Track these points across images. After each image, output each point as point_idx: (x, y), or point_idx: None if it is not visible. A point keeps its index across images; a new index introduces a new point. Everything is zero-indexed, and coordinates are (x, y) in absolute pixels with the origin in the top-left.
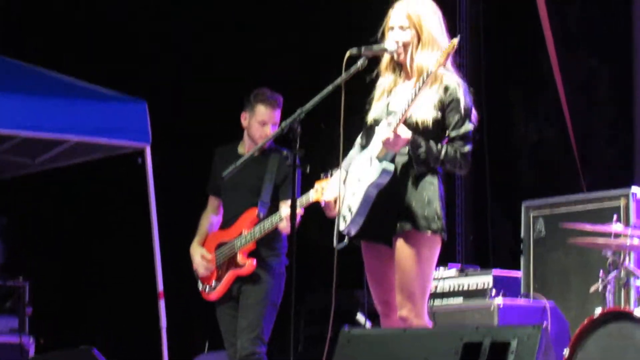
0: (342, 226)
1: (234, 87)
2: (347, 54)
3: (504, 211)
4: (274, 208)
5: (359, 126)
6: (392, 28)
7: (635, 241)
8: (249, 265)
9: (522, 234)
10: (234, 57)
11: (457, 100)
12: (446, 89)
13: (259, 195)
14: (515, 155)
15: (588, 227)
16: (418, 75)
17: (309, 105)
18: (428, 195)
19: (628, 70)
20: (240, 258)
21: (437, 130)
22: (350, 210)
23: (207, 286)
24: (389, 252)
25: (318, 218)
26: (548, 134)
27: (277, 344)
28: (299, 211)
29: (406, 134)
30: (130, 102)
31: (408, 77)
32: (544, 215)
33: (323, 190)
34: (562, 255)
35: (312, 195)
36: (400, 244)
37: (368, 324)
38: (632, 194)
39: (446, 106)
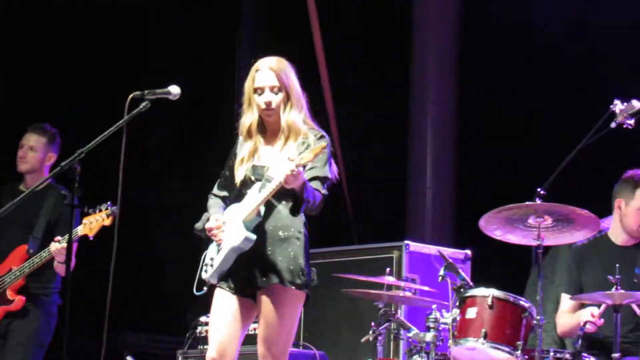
0: (204, 275)
1: (19, 122)
2: (130, 96)
3: None
4: (46, 244)
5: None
6: (261, 89)
7: (407, 293)
8: (17, 301)
9: None
10: (20, 93)
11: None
12: (308, 144)
13: (31, 231)
14: None
15: (361, 278)
16: (286, 133)
17: (89, 145)
18: (294, 251)
19: (404, 126)
20: (9, 294)
21: None
22: (212, 261)
23: None
24: (251, 305)
25: (87, 257)
26: None
27: None
28: (64, 246)
29: (303, 176)
30: None
31: (273, 135)
32: (316, 264)
33: (91, 225)
34: (333, 305)
35: (80, 230)
36: (265, 299)
37: None
38: (406, 245)
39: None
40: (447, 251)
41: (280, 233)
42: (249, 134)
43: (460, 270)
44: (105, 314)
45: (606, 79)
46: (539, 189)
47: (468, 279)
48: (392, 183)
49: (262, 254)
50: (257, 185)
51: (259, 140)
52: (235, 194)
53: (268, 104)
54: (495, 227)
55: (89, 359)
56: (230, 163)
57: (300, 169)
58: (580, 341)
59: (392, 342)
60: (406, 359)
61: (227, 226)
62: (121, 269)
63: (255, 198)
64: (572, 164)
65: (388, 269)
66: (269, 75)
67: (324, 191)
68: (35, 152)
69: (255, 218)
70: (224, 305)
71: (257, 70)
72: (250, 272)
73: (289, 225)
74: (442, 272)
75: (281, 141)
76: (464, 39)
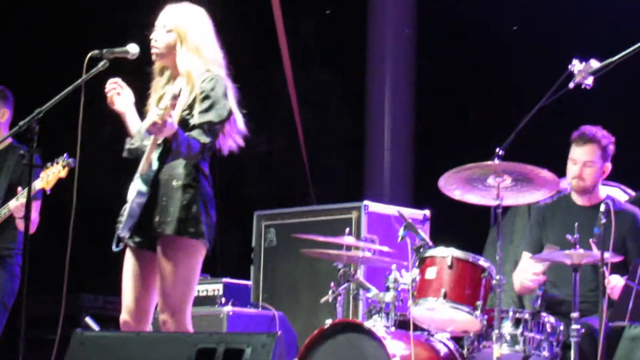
0: (118, 231)
1: None
2: (89, 55)
3: (233, 220)
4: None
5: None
6: (156, 27)
7: (367, 254)
8: None
9: (254, 243)
10: None
11: (206, 91)
12: (197, 85)
13: None
14: (245, 165)
15: (320, 238)
16: (186, 81)
17: (47, 105)
18: (187, 199)
19: (361, 87)
20: None
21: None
22: (122, 217)
23: None
24: (152, 255)
25: (46, 218)
26: (278, 145)
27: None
28: (23, 202)
29: (173, 125)
30: None
31: (175, 79)
32: (275, 225)
33: (48, 178)
34: (292, 266)
35: (38, 184)
36: (160, 249)
37: (97, 328)
38: (364, 206)
39: (195, 99)
40: (407, 211)
41: (174, 182)
42: (158, 76)
43: (419, 230)
44: (63, 275)
45: (566, 37)
46: (497, 149)
47: (427, 239)
48: (350, 144)
49: (158, 205)
50: (153, 111)
51: (169, 83)
52: None
53: (153, 39)
54: (455, 187)
55: (46, 321)
56: None
57: (168, 119)
58: (539, 301)
59: (351, 303)
60: (365, 319)
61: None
62: (78, 229)
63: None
64: (531, 124)
65: (347, 229)
66: (167, 16)
67: (204, 139)
68: None
69: (150, 170)
70: (130, 265)
71: (163, 10)
72: (148, 224)
73: (183, 174)
74: (401, 232)
75: (178, 87)
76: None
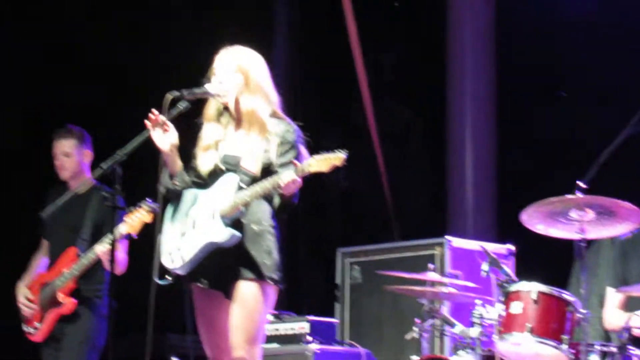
0: (169, 264)
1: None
2: (170, 98)
3: (316, 258)
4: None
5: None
6: (215, 71)
7: (451, 289)
8: (69, 303)
9: (338, 281)
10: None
11: (290, 142)
12: (274, 135)
13: (79, 234)
14: (327, 203)
15: (404, 275)
16: (248, 121)
17: (129, 147)
18: (268, 246)
19: (441, 122)
20: (60, 297)
21: (267, 175)
22: (179, 251)
23: (31, 328)
24: (223, 298)
25: (132, 259)
26: (360, 182)
27: None
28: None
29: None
30: None
31: (237, 123)
32: (359, 262)
33: (133, 223)
34: (377, 303)
35: (123, 229)
36: (240, 290)
37: None
38: (448, 242)
39: (276, 150)
40: (490, 246)
41: (254, 227)
42: (215, 119)
43: (503, 265)
44: (149, 315)
45: None
46: (580, 182)
47: (512, 274)
48: (433, 179)
49: (237, 248)
50: (231, 176)
51: (228, 127)
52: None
53: (219, 83)
54: (538, 221)
55: None
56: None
57: (299, 179)
58: (626, 334)
59: (437, 339)
60: (452, 354)
61: (188, 206)
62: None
63: (234, 192)
64: (615, 156)
65: (431, 265)
66: (227, 58)
67: None
68: (70, 157)
69: (237, 213)
70: (202, 309)
71: (218, 54)
72: (224, 267)
73: (261, 219)
74: (485, 267)
75: (244, 129)
76: (501, 37)
